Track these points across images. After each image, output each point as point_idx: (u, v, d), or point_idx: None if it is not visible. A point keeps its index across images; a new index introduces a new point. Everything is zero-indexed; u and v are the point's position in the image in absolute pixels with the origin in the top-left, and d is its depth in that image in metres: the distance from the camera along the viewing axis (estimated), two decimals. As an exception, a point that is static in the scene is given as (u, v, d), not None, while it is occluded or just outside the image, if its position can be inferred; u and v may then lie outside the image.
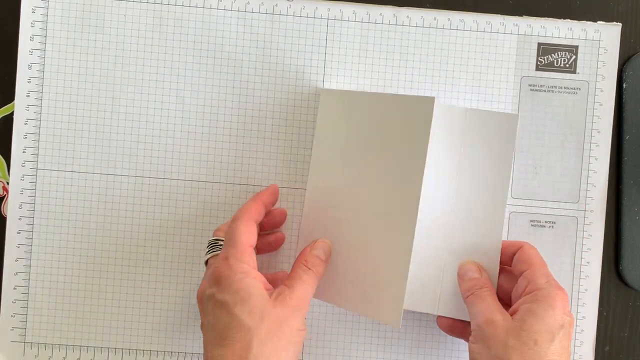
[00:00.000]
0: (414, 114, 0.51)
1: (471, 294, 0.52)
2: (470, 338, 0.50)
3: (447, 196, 0.54)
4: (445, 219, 0.54)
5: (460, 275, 0.54)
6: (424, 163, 0.50)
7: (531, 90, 0.58)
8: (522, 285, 0.51)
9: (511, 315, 0.50)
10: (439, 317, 0.55)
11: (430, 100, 0.50)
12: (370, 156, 0.53)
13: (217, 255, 0.51)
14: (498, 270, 0.54)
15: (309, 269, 0.51)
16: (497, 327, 0.49)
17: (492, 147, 0.54)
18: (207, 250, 0.53)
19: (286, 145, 0.58)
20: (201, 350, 0.58)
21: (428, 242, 0.54)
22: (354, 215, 0.53)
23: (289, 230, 0.58)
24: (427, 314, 0.57)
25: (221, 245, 0.52)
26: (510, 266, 0.54)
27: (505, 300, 0.53)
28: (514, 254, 0.54)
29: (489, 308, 0.50)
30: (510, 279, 0.54)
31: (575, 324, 0.58)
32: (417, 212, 0.50)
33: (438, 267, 0.54)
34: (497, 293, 0.53)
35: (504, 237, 0.58)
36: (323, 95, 0.57)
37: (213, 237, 0.54)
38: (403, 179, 0.51)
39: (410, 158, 0.51)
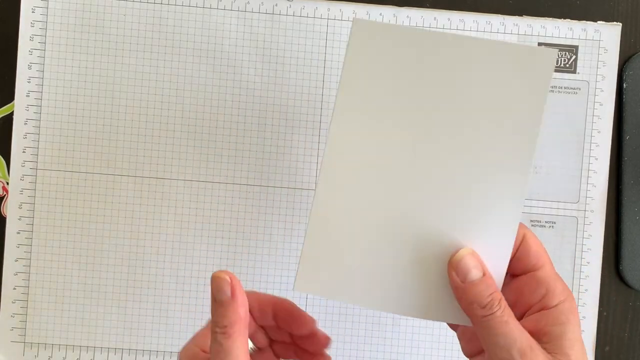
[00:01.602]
0: (525, 68, 0.40)
1: (491, 314, 0.40)
2: None
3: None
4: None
5: (458, 272, 0.41)
6: (538, 130, 0.41)
7: (531, 90, 0.58)
8: (537, 292, 0.42)
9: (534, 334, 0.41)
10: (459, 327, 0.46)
11: (552, 53, 0.40)
12: (451, 116, 0.41)
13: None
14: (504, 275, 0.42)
15: (221, 334, 0.39)
16: None
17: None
18: None
19: (286, 145, 0.58)
20: (201, 350, 0.58)
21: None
22: (417, 195, 0.42)
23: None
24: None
25: None
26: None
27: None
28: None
29: (523, 341, 0.39)
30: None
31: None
32: (524, 194, 0.42)
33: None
34: None
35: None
36: (358, 27, 0.42)
37: None
38: (507, 150, 0.41)
39: (518, 123, 0.41)
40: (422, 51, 0.41)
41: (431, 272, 0.43)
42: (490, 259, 0.42)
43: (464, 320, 0.42)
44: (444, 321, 0.43)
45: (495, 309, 0.40)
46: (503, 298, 0.40)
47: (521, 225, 0.42)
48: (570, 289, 0.57)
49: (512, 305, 0.41)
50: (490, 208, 0.42)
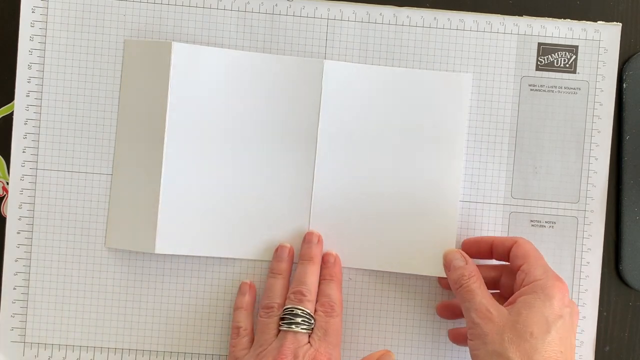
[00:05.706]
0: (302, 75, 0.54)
1: (460, 286, 0.51)
2: (468, 334, 0.50)
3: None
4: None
5: (446, 266, 0.54)
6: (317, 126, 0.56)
7: (531, 90, 0.58)
8: (520, 279, 0.51)
9: (507, 307, 0.50)
10: (451, 330, 0.57)
11: (319, 63, 0.54)
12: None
13: (295, 331, 0.52)
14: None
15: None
16: (493, 322, 0.49)
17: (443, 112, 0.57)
18: (286, 318, 0.53)
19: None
20: (201, 351, 0.58)
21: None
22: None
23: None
24: (426, 319, 0.57)
25: (306, 319, 0.53)
26: (509, 262, 0.54)
27: (507, 297, 0.53)
28: (510, 249, 0.53)
29: (482, 303, 0.50)
30: (510, 275, 0.54)
31: (575, 324, 0.58)
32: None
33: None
34: (500, 290, 0.54)
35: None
36: (132, 48, 0.57)
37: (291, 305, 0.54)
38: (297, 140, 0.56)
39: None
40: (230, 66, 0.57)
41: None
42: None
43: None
44: None
45: (463, 281, 0.51)
46: (473, 275, 0.52)
47: (518, 237, 0.54)
48: (571, 289, 0.58)
49: (515, 292, 0.51)
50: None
